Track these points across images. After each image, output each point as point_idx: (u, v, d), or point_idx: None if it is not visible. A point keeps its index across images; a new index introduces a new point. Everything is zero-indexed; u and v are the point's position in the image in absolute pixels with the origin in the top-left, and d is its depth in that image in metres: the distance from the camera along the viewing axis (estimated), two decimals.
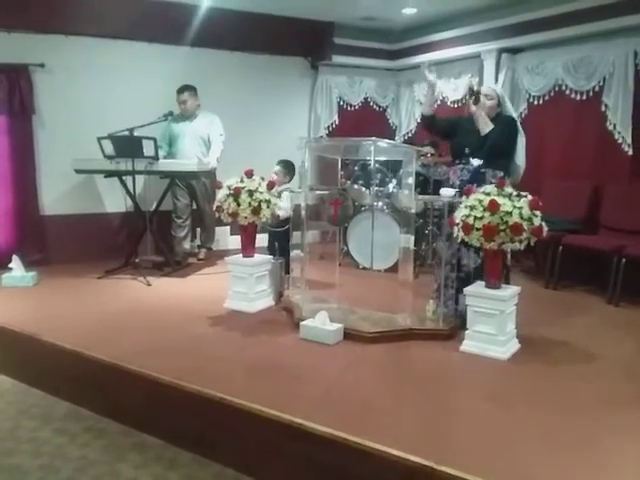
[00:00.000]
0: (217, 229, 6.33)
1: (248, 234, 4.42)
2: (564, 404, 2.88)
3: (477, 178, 3.94)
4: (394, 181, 5.57)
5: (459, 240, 3.59)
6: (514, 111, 4.15)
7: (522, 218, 3.32)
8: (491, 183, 3.70)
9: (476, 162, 3.98)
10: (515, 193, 3.44)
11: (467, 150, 4.04)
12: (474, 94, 3.95)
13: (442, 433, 2.57)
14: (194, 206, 6.18)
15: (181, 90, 5.87)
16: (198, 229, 6.36)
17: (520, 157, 4.08)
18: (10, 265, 5.08)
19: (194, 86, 5.91)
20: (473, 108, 3.97)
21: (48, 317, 4.19)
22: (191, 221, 6.16)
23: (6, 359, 3.98)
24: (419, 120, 4.42)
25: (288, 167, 5.19)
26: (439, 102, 7.08)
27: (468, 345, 3.56)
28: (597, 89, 5.45)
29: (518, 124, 4.10)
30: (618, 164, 5.28)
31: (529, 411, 2.79)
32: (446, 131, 4.30)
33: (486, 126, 3.94)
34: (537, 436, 2.54)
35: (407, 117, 7.61)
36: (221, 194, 4.36)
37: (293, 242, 4.61)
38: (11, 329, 3.93)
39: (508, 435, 2.56)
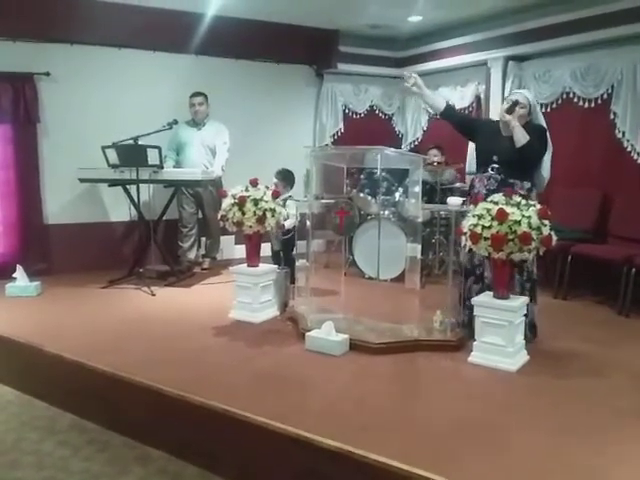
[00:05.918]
0: (222, 238, 6.29)
1: (253, 243, 4.39)
2: (574, 418, 2.82)
3: (505, 188, 3.67)
4: (400, 190, 5.53)
5: (467, 250, 3.54)
6: (543, 120, 4.00)
7: (531, 227, 3.27)
8: (520, 195, 3.51)
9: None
10: (524, 202, 3.39)
11: (495, 158, 3.89)
12: (513, 105, 3.78)
13: (450, 447, 2.52)
14: (200, 215, 6.16)
15: (195, 94, 5.90)
16: (203, 238, 6.33)
17: (546, 168, 3.95)
18: (14, 275, 5.06)
19: (206, 94, 5.92)
20: (507, 117, 3.80)
21: (51, 327, 4.16)
22: (197, 230, 6.15)
23: (9, 370, 3.95)
24: (439, 116, 4.30)
25: (286, 178, 5.17)
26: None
27: (476, 357, 3.50)
28: (605, 97, 5.40)
29: (547, 134, 3.94)
30: (627, 172, 5.23)
31: (539, 425, 2.74)
32: (465, 125, 4.23)
33: (524, 138, 3.74)
34: (547, 451, 2.49)
35: (413, 125, 7.57)
36: (226, 203, 4.33)
37: (298, 251, 4.57)
38: (14, 340, 3.90)
39: (517, 450, 2.50)
